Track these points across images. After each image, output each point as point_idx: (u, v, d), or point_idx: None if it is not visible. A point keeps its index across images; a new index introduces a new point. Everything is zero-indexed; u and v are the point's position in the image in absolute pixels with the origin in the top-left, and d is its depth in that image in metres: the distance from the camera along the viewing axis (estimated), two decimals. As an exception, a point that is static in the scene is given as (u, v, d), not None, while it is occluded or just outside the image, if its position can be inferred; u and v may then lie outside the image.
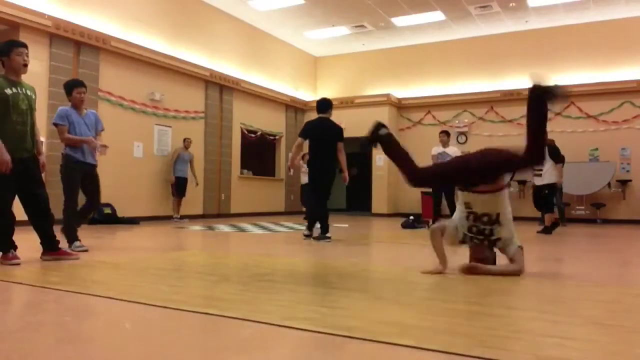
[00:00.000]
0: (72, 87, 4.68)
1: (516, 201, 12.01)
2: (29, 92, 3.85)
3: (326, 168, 6.21)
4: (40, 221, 3.92)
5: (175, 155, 9.66)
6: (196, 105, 10.74)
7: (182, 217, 9.85)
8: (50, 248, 3.95)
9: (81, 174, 4.61)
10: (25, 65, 3.80)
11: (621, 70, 11.39)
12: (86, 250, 4.49)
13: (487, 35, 12.83)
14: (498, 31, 12.64)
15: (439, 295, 2.77)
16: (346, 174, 6.37)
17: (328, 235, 5.99)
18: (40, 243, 3.95)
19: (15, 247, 3.78)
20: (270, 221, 10.01)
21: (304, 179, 10.52)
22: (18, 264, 3.63)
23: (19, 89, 3.76)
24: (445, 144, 8.43)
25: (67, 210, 4.61)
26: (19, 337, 1.91)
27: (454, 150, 8.34)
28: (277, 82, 13.32)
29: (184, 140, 9.85)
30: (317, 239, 5.96)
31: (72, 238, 4.56)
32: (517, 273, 3.41)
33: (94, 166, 4.75)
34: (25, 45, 3.82)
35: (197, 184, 9.96)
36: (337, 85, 14.87)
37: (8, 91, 3.68)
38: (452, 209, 7.85)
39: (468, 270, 3.46)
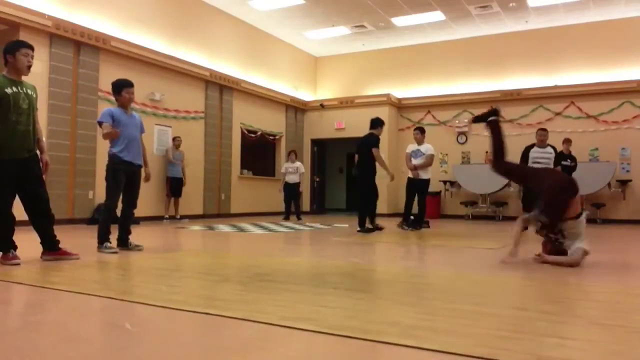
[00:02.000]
0: (122, 87, 4.76)
1: (517, 201, 12.01)
2: (29, 91, 3.82)
3: (358, 176, 7.44)
4: (41, 221, 3.91)
5: (168, 156, 9.69)
6: (196, 105, 10.74)
7: (182, 217, 9.83)
8: (50, 248, 3.94)
9: (126, 175, 4.65)
10: (29, 67, 3.79)
11: (621, 70, 11.39)
12: (116, 252, 4.45)
13: (487, 35, 12.82)
14: (498, 31, 12.63)
15: (439, 295, 2.76)
16: (388, 172, 7.50)
17: (359, 229, 7.19)
18: (41, 243, 3.95)
19: (15, 247, 3.78)
20: (270, 221, 10.01)
21: (291, 178, 10.64)
22: (18, 264, 3.63)
23: (19, 88, 3.74)
24: (419, 141, 8.13)
25: (104, 211, 4.67)
26: (19, 337, 1.91)
27: (427, 148, 8.03)
28: (277, 82, 13.32)
29: (174, 139, 9.81)
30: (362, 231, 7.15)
31: (103, 239, 4.55)
32: (571, 264, 3.89)
33: (139, 166, 4.79)
34: (31, 47, 3.82)
35: (184, 184, 9.80)
36: (337, 85, 14.87)
37: (8, 90, 3.66)
38: (422, 209, 8.14)
39: (540, 260, 4.10)
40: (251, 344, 1.85)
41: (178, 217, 9.76)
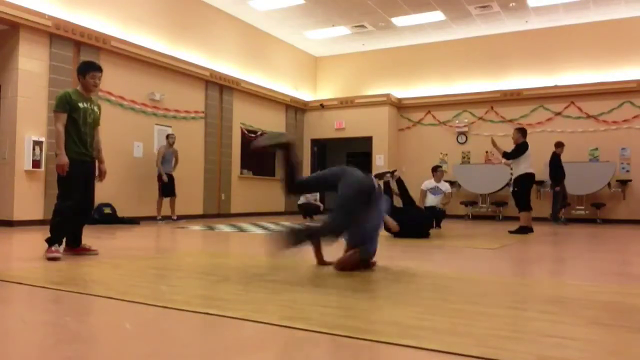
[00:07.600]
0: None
1: (516, 201, 12.00)
2: (95, 108, 4.35)
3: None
4: (79, 219, 4.27)
5: (159, 155, 9.21)
6: (196, 105, 10.74)
7: (178, 218, 9.41)
8: (73, 245, 4.29)
9: None
10: (95, 86, 4.30)
11: (621, 70, 11.39)
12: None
13: (487, 35, 12.82)
14: (498, 31, 12.63)
15: (439, 295, 2.76)
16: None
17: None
18: (65, 239, 4.24)
19: (60, 242, 4.10)
20: (270, 221, 10.01)
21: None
22: (57, 259, 3.89)
23: (88, 104, 4.28)
24: (439, 179, 8.35)
25: None
26: (19, 337, 1.91)
27: (447, 187, 8.35)
28: (277, 82, 13.32)
29: (167, 136, 9.40)
30: None
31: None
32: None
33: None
34: (100, 69, 4.34)
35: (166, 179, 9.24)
36: (337, 85, 14.87)
37: (81, 105, 4.19)
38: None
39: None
40: (251, 344, 1.85)
41: (174, 217, 9.31)
